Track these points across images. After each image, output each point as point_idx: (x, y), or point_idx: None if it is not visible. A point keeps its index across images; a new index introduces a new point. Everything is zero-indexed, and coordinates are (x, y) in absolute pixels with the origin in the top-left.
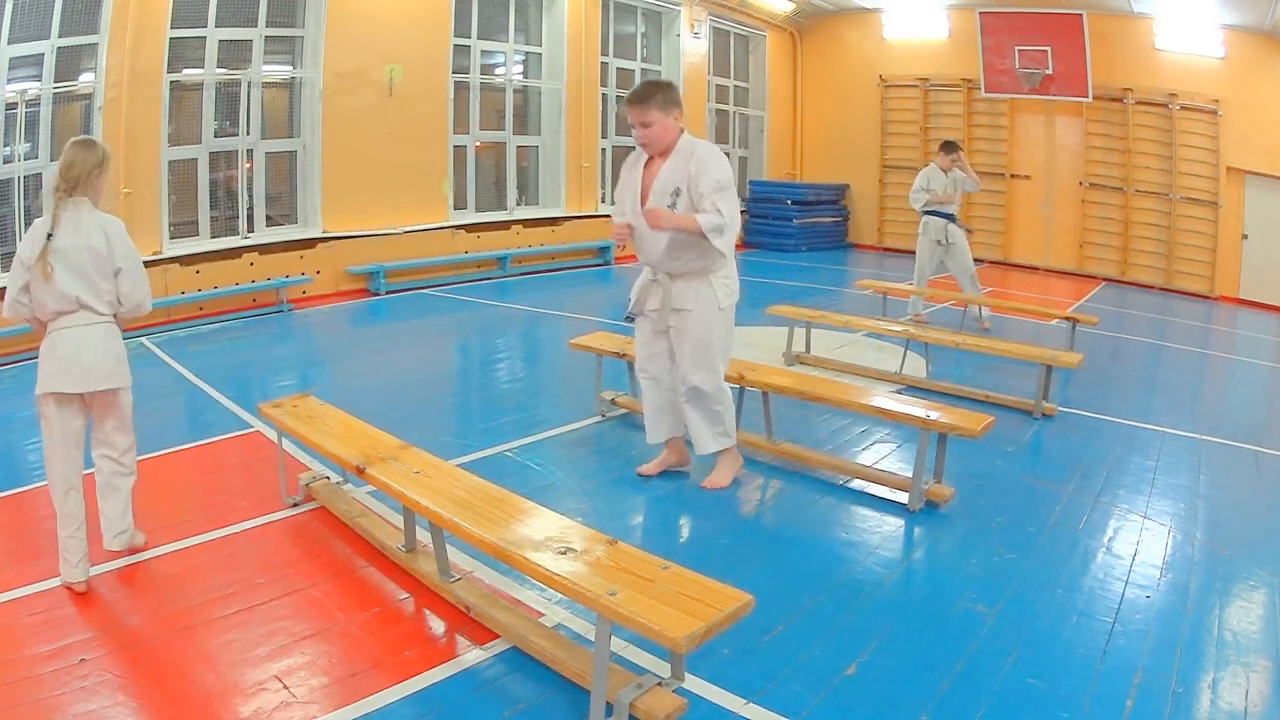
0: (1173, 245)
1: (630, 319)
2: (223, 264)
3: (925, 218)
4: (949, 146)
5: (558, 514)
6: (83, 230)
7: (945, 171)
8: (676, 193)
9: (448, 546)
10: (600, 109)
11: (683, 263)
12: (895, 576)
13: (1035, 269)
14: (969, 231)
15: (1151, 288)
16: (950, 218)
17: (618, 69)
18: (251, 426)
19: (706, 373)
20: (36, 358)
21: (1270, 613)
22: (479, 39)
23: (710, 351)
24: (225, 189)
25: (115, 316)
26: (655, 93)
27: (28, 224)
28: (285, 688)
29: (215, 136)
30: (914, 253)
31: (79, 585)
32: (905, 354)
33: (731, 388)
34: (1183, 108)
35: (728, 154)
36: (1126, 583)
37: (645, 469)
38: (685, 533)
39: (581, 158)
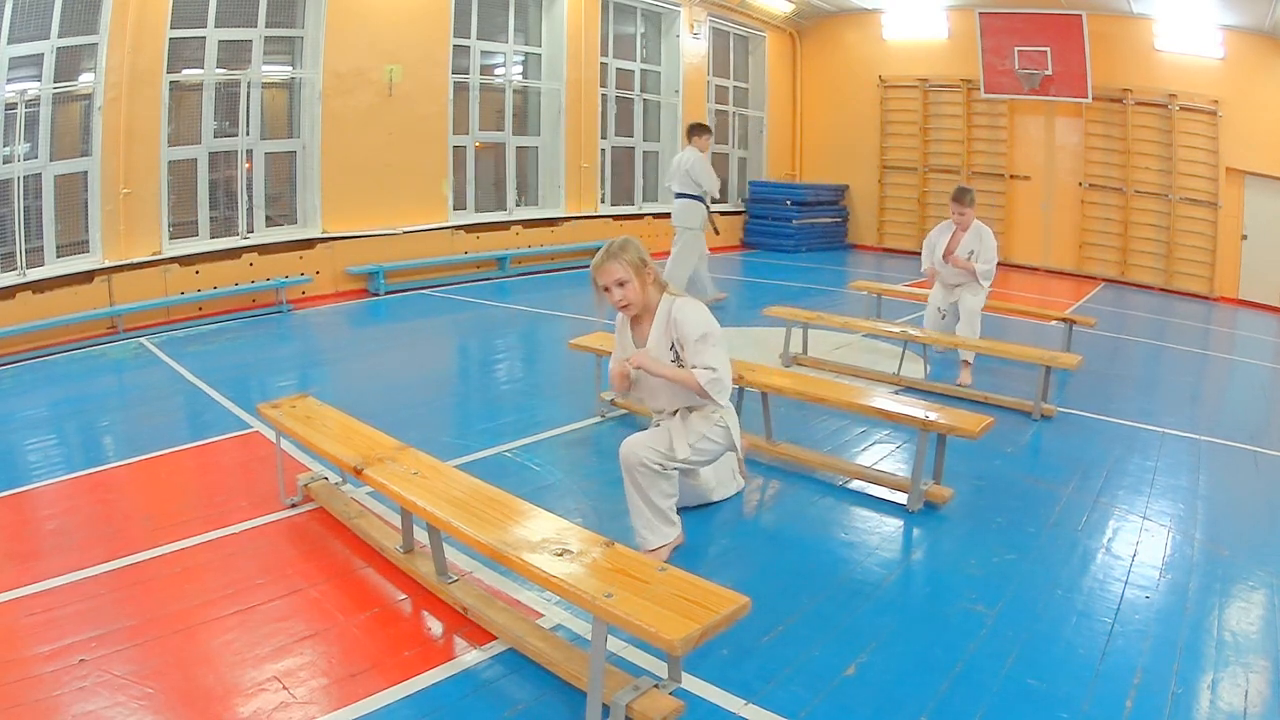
0: (1172, 246)
1: None
2: (222, 264)
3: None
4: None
5: (555, 515)
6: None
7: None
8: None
9: (445, 547)
10: (600, 110)
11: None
12: (894, 577)
13: (1035, 270)
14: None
15: (1151, 288)
16: None
17: (617, 69)
18: (250, 427)
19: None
20: (34, 358)
21: (1270, 613)
22: (478, 39)
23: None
24: (225, 189)
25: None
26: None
27: (28, 224)
28: (284, 688)
29: (215, 137)
30: (914, 254)
31: None
32: (903, 355)
33: (731, 388)
34: (1182, 108)
35: (727, 155)
36: (1126, 583)
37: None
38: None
39: (581, 158)
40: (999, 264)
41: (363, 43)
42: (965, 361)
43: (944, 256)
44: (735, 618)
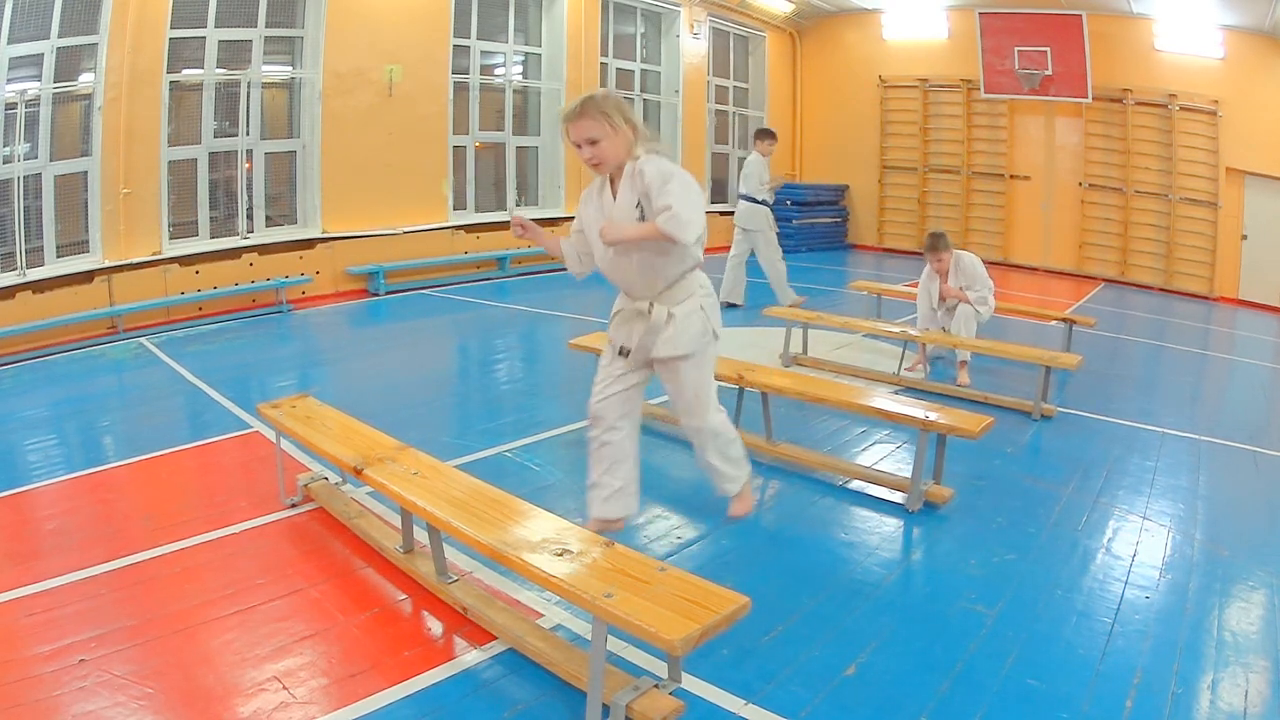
0: (1172, 246)
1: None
2: (222, 264)
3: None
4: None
5: (555, 515)
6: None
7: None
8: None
9: (445, 547)
10: None
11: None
12: (894, 577)
13: (1035, 270)
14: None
15: (1151, 288)
16: None
17: (617, 69)
18: (250, 427)
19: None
20: (34, 358)
21: (1270, 613)
22: (478, 39)
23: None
24: (225, 189)
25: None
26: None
27: (28, 224)
28: (284, 688)
29: (215, 136)
30: (915, 255)
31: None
32: (903, 355)
33: (730, 388)
34: (1182, 108)
35: (727, 155)
36: (1126, 583)
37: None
38: (684, 534)
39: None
40: (1000, 263)
41: (363, 43)
42: (962, 361)
43: (940, 299)
44: (735, 618)
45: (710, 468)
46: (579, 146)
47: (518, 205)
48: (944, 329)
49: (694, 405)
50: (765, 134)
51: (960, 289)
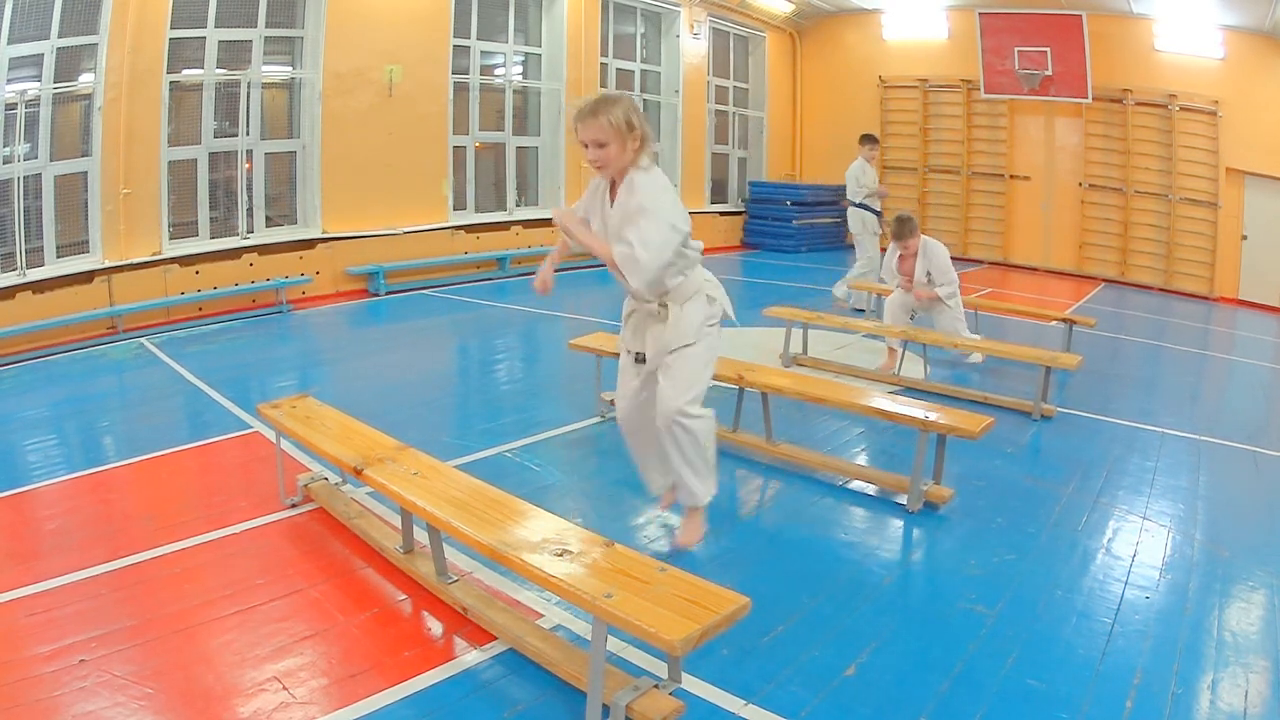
0: (1172, 246)
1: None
2: (222, 264)
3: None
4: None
5: (555, 515)
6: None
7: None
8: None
9: (445, 547)
10: None
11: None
12: (894, 577)
13: (1034, 270)
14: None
15: (1151, 289)
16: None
17: (617, 69)
18: (250, 427)
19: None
20: (35, 358)
21: (1270, 614)
22: (478, 39)
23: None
24: (225, 189)
25: None
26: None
27: (28, 224)
28: (284, 688)
29: (215, 137)
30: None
31: None
32: (903, 355)
33: (731, 388)
34: (1182, 109)
35: (727, 155)
36: (1126, 583)
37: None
38: None
39: (581, 158)
40: (1000, 263)
41: (363, 43)
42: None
43: (903, 287)
44: (735, 618)
45: (678, 477)
46: (585, 146)
47: (518, 205)
48: (913, 314)
49: (678, 386)
50: (870, 139)
51: (927, 280)
